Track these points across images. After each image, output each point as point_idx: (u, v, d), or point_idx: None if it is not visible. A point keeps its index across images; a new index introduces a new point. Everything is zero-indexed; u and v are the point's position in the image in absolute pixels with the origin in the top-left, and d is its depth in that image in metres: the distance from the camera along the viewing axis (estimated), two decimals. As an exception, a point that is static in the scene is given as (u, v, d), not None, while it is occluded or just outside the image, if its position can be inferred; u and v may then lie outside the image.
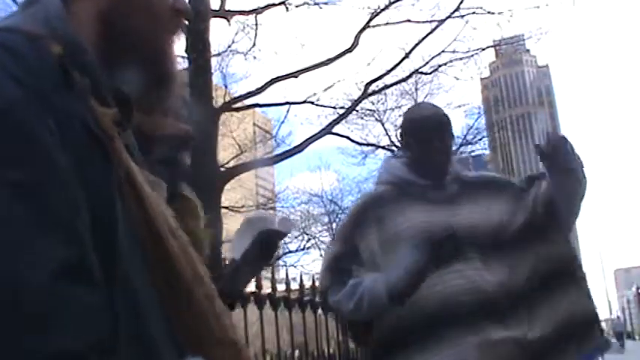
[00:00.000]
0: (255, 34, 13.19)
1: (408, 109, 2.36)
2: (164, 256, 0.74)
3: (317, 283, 3.45)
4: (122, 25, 0.81)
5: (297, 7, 12.94)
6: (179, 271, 0.75)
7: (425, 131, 2.08)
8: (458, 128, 17.84)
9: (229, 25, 12.48)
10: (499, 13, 13.49)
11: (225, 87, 13.81)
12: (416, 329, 1.91)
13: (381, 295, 1.91)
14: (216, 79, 12.85)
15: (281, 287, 3.31)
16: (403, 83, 15.49)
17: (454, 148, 2.25)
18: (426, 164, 2.10)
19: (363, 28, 13.08)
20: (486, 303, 1.92)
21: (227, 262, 1.85)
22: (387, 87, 14.62)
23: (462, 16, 13.44)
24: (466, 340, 1.88)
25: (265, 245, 1.75)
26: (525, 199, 2.07)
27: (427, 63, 14.15)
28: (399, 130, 2.23)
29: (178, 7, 0.86)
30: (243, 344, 0.85)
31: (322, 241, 25.86)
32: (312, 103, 13.43)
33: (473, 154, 19.79)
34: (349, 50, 12.92)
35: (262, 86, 12.39)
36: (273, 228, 1.77)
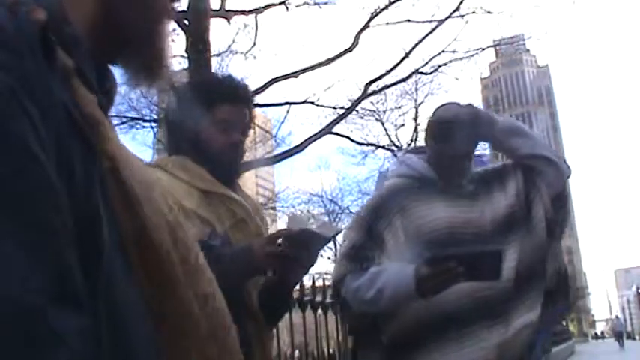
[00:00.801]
0: (255, 34, 13.22)
1: (436, 108, 2.31)
2: (149, 252, 0.70)
3: (317, 283, 3.46)
4: (116, 5, 0.77)
5: (297, 7, 12.97)
6: (164, 268, 0.72)
7: (440, 134, 2.06)
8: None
9: (229, 25, 12.50)
10: (499, 13, 13.53)
11: (225, 87, 13.78)
12: (436, 326, 1.89)
13: (408, 285, 1.84)
14: (216, 79, 12.83)
15: (281, 287, 3.30)
16: (403, 83, 15.51)
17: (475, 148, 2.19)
18: (446, 166, 2.08)
19: (363, 28, 13.08)
20: (505, 296, 1.91)
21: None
22: (387, 87, 14.63)
23: (462, 16, 13.47)
24: (487, 336, 1.87)
25: (299, 248, 1.60)
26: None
27: (427, 63, 14.17)
28: (425, 128, 2.20)
29: None
30: (236, 350, 0.82)
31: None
32: (312, 103, 13.44)
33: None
34: (349, 50, 12.92)
35: (262, 86, 12.40)
36: (312, 230, 1.61)
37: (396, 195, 2.06)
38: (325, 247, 26.53)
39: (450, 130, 2.04)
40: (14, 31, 0.62)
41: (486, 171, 2.18)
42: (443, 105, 2.17)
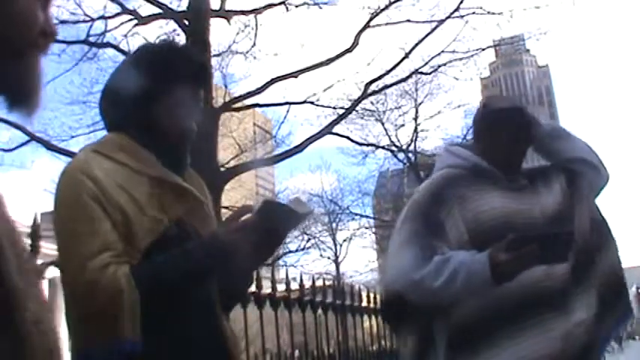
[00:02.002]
0: (255, 34, 13.23)
1: (483, 100, 2.24)
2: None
3: (317, 283, 3.46)
4: None
5: (297, 7, 12.98)
6: (9, 293, 0.70)
7: (499, 124, 2.01)
8: (458, 128, 17.82)
9: (229, 25, 12.51)
10: (499, 13, 13.51)
11: (225, 87, 13.83)
12: (501, 316, 1.83)
13: (483, 271, 1.76)
14: (216, 79, 12.89)
15: (281, 287, 3.30)
16: (403, 83, 15.53)
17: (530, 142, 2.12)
18: (499, 154, 2.02)
19: (363, 28, 13.09)
20: (564, 288, 1.89)
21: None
22: (387, 87, 14.63)
23: (462, 16, 13.46)
24: (552, 327, 1.84)
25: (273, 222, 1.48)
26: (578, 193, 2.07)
27: (427, 63, 14.17)
28: (474, 121, 2.14)
29: (47, 29, 0.81)
30: None
31: (322, 241, 25.88)
32: (312, 103, 13.45)
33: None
34: (349, 50, 12.92)
35: (262, 86, 12.40)
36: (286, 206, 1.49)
37: (454, 183, 1.98)
38: (325, 248, 26.35)
39: (509, 118, 2.00)
40: None
41: (531, 169, 2.14)
42: (491, 97, 2.15)
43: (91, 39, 12.40)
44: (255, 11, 12.90)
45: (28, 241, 1.81)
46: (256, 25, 13.13)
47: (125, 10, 12.40)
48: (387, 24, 13.47)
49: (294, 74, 12.51)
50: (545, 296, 1.85)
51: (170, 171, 1.54)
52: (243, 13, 12.88)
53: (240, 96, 12.94)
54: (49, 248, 1.74)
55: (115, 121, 1.58)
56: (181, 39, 10.98)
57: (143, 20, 12.42)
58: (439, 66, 14.38)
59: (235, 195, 18.87)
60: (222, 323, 1.58)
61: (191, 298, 1.47)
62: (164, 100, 1.55)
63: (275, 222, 1.50)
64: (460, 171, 2.02)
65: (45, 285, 1.19)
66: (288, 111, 16.40)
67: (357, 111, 15.04)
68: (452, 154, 2.10)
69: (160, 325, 1.41)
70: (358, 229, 25.95)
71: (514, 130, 2.00)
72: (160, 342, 1.41)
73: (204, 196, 1.63)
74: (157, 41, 1.74)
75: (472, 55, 14.32)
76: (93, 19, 12.31)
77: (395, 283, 1.95)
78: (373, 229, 26.17)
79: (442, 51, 13.97)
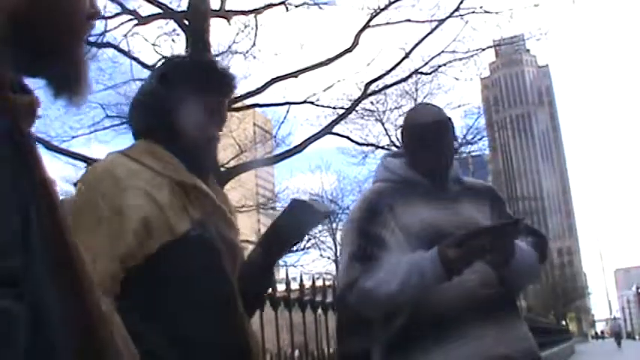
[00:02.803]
0: (255, 34, 13.23)
1: (409, 110, 2.33)
2: (68, 265, 0.72)
3: (317, 283, 3.46)
4: (31, 17, 0.76)
5: (296, 7, 12.99)
6: (82, 285, 0.73)
7: (423, 138, 2.08)
8: (458, 128, 17.83)
9: (229, 25, 12.51)
10: (499, 13, 13.53)
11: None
12: (434, 322, 1.90)
13: (434, 269, 1.83)
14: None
15: (281, 287, 3.31)
16: (403, 83, 15.53)
17: (455, 148, 2.24)
18: (426, 166, 2.10)
19: (363, 28, 13.10)
20: (499, 296, 1.95)
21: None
22: (387, 87, 14.64)
23: (462, 16, 13.49)
24: (486, 333, 1.89)
25: (299, 218, 1.63)
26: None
27: (427, 63, 14.19)
28: (400, 130, 2.22)
29: (92, 11, 0.83)
30: None
31: (322, 241, 25.90)
32: (312, 103, 13.46)
33: (473, 154, 19.83)
34: (349, 50, 12.94)
35: (262, 86, 12.41)
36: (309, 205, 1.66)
37: (383, 196, 2.07)
38: (325, 248, 26.35)
39: (429, 133, 2.07)
40: None
41: (466, 181, 2.21)
42: (417, 107, 2.22)
43: (91, 39, 12.41)
44: (255, 11, 12.91)
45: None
46: (256, 25, 13.16)
47: (125, 10, 12.40)
48: (386, 24, 13.50)
49: (294, 74, 12.52)
50: (478, 303, 1.91)
51: (194, 176, 1.61)
52: (243, 13, 12.89)
53: (240, 96, 12.93)
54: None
55: (144, 129, 1.66)
56: (181, 39, 11.01)
57: (143, 20, 12.43)
58: (439, 66, 14.40)
59: (235, 195, 18.88)
60: (244, 322, 1.62)
61: (211, 296, 1.53)
62: (190, 109, 1.62)
63: (300, 219, 1.63)
64: (390, 184, 2.11)
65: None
66: (288, 111, 16.40)
67: (357, 111, 15.05)
68: (384, 168, 2.20)
69: (178, 323, 1.46)
70: (358, 229, 25.92)
71: (432, 144, 2.07)
72: (179, 339, 1.44)
73: (227, 206, 1.70)
74: (184, 54, 1.85)
75: (472, 55, 14.36)
76: (93, 19, 12.29)
77: (348, 299, 1.99)
78: (373, 229, 26.12)
79: (442, 51, 14.00)
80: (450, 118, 2.15)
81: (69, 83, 0.80)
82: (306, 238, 23.77)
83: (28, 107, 0.72)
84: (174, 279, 1.49)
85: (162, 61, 2.07)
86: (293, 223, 1.64)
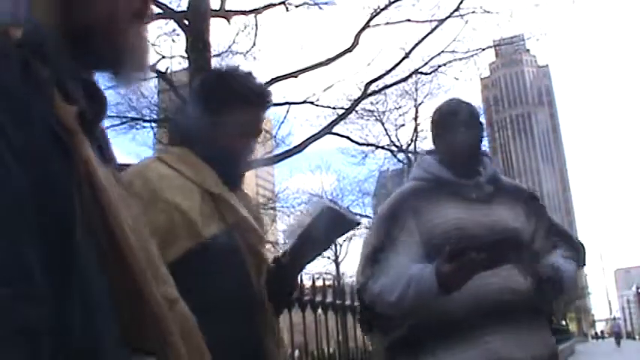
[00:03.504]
0: (255, 34, 13.23)
1: (438, 106, 2.32)
2: (119, 253, 0.74)
3: (317, 283, 3.46)
4: (84, 9, 0.79)
5: (297, 7, 12.97)
6: (134, 270, 0.75)
7: (450, 121, 2.09)
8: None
9: (229, 25, 12.50)
10: (499, 13, 13.54)
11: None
12: (444, 324, 1.90)
13: (430, 284, 1.85)
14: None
15: (281, 287, 3.31)
16: (403, 83, 15.53)
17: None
18: (455, 159, 2.10)
19: (363, 28, 13.09)
20: (520, 304, 1.93)
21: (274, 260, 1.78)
22: (387, 87, 14.63)
23: (462, 16, 13.49)
24: (500, 338, 1.89)
25: (328, 226, 1.67)
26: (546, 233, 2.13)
27: (427, 63, 14.19)
28: (429, 123, 2.22)
29: None
30: (204, 351, 0.86)
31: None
32: (312, 103, 13.45)
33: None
34: (349, 50, 12.93)
35: (262, 86, 12.38)
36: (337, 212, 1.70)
37: (410, 197, 2.08)
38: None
39: (451, 120, 2.08)
40: None
41: (502, 180, 2.19)
42: (446, 101, 2.22)
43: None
44: (255, 11, 12.90)
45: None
46: (256, 25, 13.15)
47: (125, 10, 12.37)
48: (387, 24, 13.48)
49: (294, 74, 12.51)
50: (495, 308, 1.90)
51: (225, 186, 1.67)
52: (243, 13, 12.87)
53: (240, 96, 12.91)
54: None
55: (182, 137, 1.73)
56: (181, 39, 11.01)
57: (143, 20, 12.39)
58: (439, 66, 14.40)
59: (235, 195, 18.80)
60: (270, 325, 1.68)
61: (234, 300, 1.58)
62: (226, 121, 1.69)
63: (329, 228, 1.67)
64: (423, 184, 2.13)
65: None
66: (288, 111, 16.40)
67: (357, 111, 15.04)
68: (419, 167, 2.21)
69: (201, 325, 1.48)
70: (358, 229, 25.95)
71: (457, 127, 2.07)
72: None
73: (251, 211, 1.76)
74: (224, 67, 1.89)
75: (472, 55, 14.37)
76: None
77: (363, 298, 2.07)
78: (373, 229, 26.10)
79: (442, 51, 14.00)
80: (473, 109, 2.15)
81: (124, 67, 0.83)
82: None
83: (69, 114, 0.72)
84: (199, 281, 1.49)
85: (206, 73, 2.15)
86: (323, 231, 1.66)
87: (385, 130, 18.80)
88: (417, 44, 13.32)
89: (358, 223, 1.85)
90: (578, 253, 2.16)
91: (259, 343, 1.61)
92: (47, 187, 0.66)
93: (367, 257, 2.04)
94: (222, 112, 1.68)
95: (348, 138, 15.53)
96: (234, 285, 1.58)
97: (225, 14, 12.28)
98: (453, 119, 2.08)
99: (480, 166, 2.12)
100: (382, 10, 13.13)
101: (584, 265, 2.19)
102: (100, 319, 0.70)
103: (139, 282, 0.75)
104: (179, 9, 11.97)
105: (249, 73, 1.80)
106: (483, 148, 2.23)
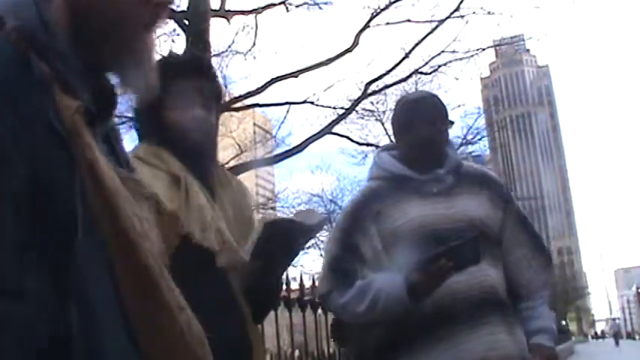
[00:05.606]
0: (255, 34, 13.21)
1: (400, 98, 2.29)
2: (126, 248, 0.73)
3: (317, 283, 3.46)
4: (91, 10, 0.79)
5: (297, 7, 12.97)
6: (141, 265, 0.74)
7: (410, 116, 2.00)
8: (458, 128, 17.82)
9: (229, 25, 12.50)
10: (499, 14, 13.53)
11: (225, 87, 13.81)
12: (419, 327, 1.87)
13: (400, 293, 1.82)
14: (216, 79, 12.82)
15: (281, 287, 3.31)
16: (403, 83, 15.46)
17: (449, 138, 2.14)
18: (414, 155, 2.01)
19: (363, 28, 13.09)
20: (492, 299, 1.90)
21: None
22: (387, 87, 14.61)
23: (462, 16, 13.46)
24: (472, 338, 1.85)
25: (278, 240, 1.61)
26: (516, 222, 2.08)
27: (427, 63, 14.16)
28: (391, 124, 2.14)
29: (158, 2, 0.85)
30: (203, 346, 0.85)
31: (322, 241, 25.86)
32: (312, 103, 13.43)
33: (473, 154, 19.78)
34: (349, 50, 12.92)
35: (262, 86, 12.40)
36: (290, 220, 1.67)
37: (369, 200, 2.01)
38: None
39: (411, 115, 2.00)
40: None
41: (480, 172, 2.13)
42: (404, 96, 2.18)
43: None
44: (255, 11, 12.89)
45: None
46: (256, 25, 13.13)
47: (125, 10, 12.37)
48: (387, 24, 13.47)
49: (294, 74, 12.50)
50: (470, 306, 1.87)
51: (194, 169, 1.64)
52: (243, 13, 12.86)
53: (239, 96, 12.93)
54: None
55: (141, 132, 1.74)
56: (181, 39, 11.00)
57: (143, 20, 12.39)
58: (439, 66, 14.37)
59: (235, 195, 18.80)
60: (243, 322, 1.64)
61: (206, 297, 1.53)
62: (168, 99, 1.64)
63: (280, 241, 1.61)
64: (381, 183, 2.05)
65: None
66: (288, 111, 16.36)
67: (357, 111, 15.02)
68: (376, 166, 2.12)
69: None
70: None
71: (416, 123, 1.99)
72: None
73: (245, 200, 1.75)
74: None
75: (472, 55, 14.32)
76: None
77: (327, 307, 2.08)
78: (373, 229, 26.13)
79: (442, 51, 13.97)
80: (436, 99, 2.07)
81: (132, 73, 0.83)
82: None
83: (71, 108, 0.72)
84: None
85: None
86: (274, 245, 1.61)
87: (385, 130, 18.74)
88: (417, 44, 13.32)
89: (325, 220, 1.80)
90: (547, 256, 2.11)
91: (237, 341, 1.58)
92: (44, 182, 0.66)
93: (329, 266, 1.99)
94: (163, 93, 1.58)
95: (348, 138, 15.53)
96: (205, 282, 1.53)
97: (225, 14, 12.28)
98: (411, 115, 2.00)
99: (442, 158, 2.03)
100: (382, 10, 13.12)
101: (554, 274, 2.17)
102: (100, 319, 0.69)
103: (151, 282, 0.74)
104: (179, 9, 11.97)
105: (185, 52, 1.78)
106: (450, 141, 2.14)
